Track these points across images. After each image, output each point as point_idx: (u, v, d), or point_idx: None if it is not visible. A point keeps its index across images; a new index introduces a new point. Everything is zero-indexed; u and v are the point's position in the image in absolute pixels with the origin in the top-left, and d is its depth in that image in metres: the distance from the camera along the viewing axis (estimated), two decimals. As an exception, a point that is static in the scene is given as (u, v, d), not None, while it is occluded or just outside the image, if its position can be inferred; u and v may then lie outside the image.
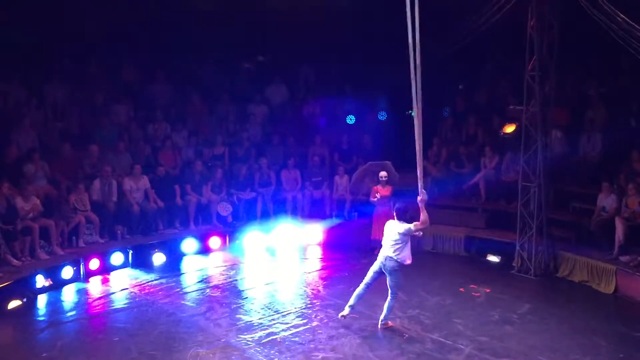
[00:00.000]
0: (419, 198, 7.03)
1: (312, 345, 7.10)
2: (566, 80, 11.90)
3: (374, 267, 7.40)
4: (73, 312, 8.24)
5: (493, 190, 11.67)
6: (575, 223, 10.48)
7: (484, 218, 11.51)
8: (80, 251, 9.79)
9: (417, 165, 6.93)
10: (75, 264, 9.35)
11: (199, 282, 9.52)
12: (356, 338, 7.29)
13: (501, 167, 11.76)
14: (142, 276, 9.68)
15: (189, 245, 10.85)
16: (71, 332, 7.67)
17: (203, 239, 11.04)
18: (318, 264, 10.62)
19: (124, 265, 10.00)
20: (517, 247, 10.03)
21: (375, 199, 10.18)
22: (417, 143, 6.81)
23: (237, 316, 8.01)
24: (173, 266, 10.22)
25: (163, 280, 9.49)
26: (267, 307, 8.35)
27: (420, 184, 7.02)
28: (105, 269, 9.73)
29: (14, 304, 8.22)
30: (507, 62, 12.54)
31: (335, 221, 12.10)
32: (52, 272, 9.01)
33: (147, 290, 9.06)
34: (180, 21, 12.52)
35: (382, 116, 14.21)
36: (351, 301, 7.53)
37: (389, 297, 7.42)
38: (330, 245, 11.55)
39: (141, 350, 6.96)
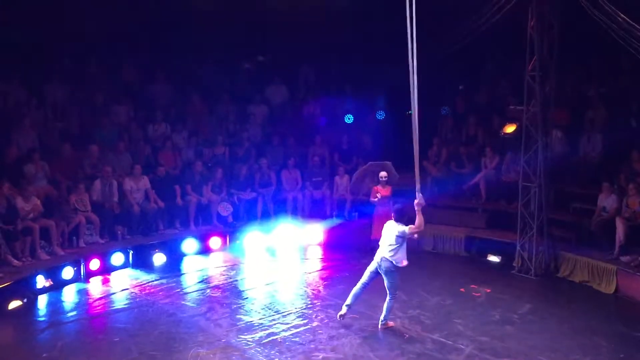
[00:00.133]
0: (415, 202, 7.07)
1: (312, 346, 7.10)
2: (566, 80, 11.90)
3: (371, 267, 7.41)
4: (73, 313, 8.24)
5: (493, 190, 11.67)
6: (576, 223, 10.48)
7: (484, 218, 11.51)
8: (80, 251, 9.78)
9: (415, 169, 6.98)
10: (76, 264, 9.35)
11: (199, 282, 9.53)
12: (356, 338, 7.29)
13: (501, 167, 11.76)
14: (142, 276, 9.67)
15: (189, 245, 10.84)
16: (72, 333, 7.66)
17: (203, 239, 11.04)
18: (318, 264, 10.62)
19: (125, 266, 9.99)
20: (518, 247, 10.03)
21: (376, 199, 10.16)
22: (415, 147, 6.87)
23: (238, 316, 8.01)
24: (173, 266, 10.22)
25: (163, 281, 9.49)
26: (267, 307, 8.35)
27: (417, 187, 7.05)
28: (106, 270, 9.73)
29: (14, 304, 8.22)
30: (507, 62, 12.54)
31: (335, 221, 12.09)
32: (53, 273, 9.01)
33: (147, 291, 9.06)
34: (180, 21, 12.52)
35: (380, 115, 14.21)
36: (348, 300, 7.55)
37: (388, 298, 7.43)
38: (331, 246, 11.55)
39: (142, 350, 6.96)
